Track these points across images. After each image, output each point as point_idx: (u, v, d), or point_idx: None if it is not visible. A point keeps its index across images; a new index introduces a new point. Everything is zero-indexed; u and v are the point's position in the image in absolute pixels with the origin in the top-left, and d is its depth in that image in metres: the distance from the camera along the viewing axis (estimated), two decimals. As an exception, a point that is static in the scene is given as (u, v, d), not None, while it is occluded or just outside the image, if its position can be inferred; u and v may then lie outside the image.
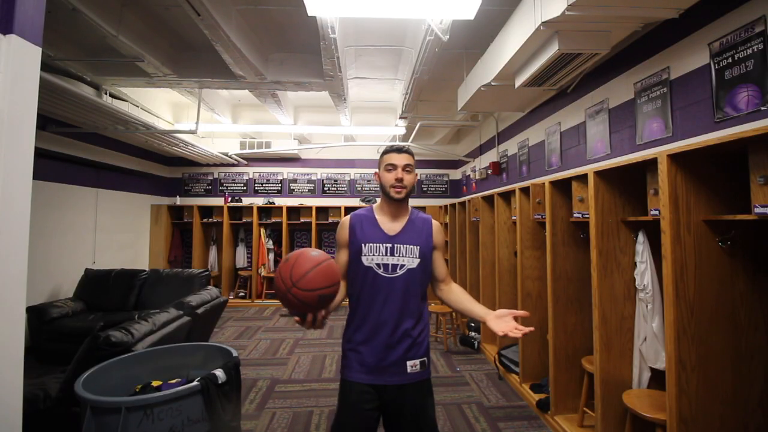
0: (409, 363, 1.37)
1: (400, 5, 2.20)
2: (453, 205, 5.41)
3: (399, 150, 1.41)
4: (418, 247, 1.39)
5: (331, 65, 3.25)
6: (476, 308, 1.40)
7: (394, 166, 1.39)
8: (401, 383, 1.35)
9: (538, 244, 3.01)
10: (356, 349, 1.37)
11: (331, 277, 1.17)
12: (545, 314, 2.66)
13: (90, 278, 4.22)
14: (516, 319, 1.28)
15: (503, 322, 1.26)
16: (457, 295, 1.47)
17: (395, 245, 1.38)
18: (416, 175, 1.44)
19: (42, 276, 3.94)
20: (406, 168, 1.39)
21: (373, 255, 1.37)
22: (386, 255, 1.37)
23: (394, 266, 1.37)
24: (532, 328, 1.19)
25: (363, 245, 1.37)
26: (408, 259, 1.37)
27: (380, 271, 1.36)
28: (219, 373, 1.63)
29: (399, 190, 1.37)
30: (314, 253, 1.20)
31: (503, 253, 3.52)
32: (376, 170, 1.47)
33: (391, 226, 1.42)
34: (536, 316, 2.98)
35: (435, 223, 1.49)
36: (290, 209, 6.35)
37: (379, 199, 1.47)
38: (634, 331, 2.07)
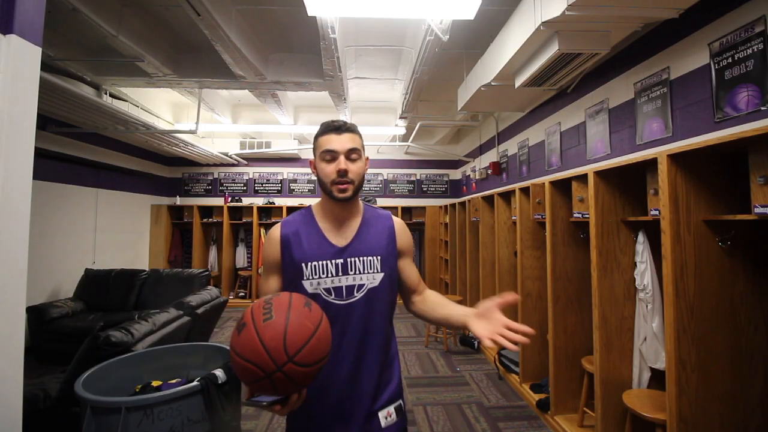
0: (381, 414, 1.01)
1: (400, 5, 2.20)
2: (453, 205, 5.41)
3: (338, 129, 1.00)
4: (380, 258, 1.04)
5: (331, 65, 3.25)
6: (454, 312, 1.01)
7: (333, 154, 0.99)
8: None
9: (538, 244, 3.01)
10: (305, 404, 0.89)
11: (330, 337, 0.85)
12: (545, 314, 2.66)
13: (90, 278, 4.22)
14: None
15: (488, 322, 0.88)
16: (431, 303, 1.10)
17: (348, 260, 1.01)
18: (366, 160, 1.07)
19: (42, 276, 3.94)
20: (351, 155, 1.00)
21: (320, 278, 0.99)
22: (337, 275, 1.00)
23: (350, 288, 1.00)
24: (529, 332, 0.83)
25: (304, 266, 0.99)
26: (367, 275, 1.02)
27: (331, 298, 0.99)
28: (219, 373, 1.63)
29: (344, 187, 0.99)
30: (306, 303, 0.84)
31: (503, 253, 3.52)
32: (311, 159, 1.07)
33: (339, 234, 1.04)
34: (536, 316, 2.98)
35: (397, 221, 1.13)
36: (290, 209, 6.34)
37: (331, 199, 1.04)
38: (634, 331, 2.07)
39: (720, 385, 1.53)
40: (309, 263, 1.00)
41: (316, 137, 1.04)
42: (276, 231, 1.05)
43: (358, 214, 1.08)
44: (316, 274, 0.99)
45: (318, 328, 0.81)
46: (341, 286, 1.00)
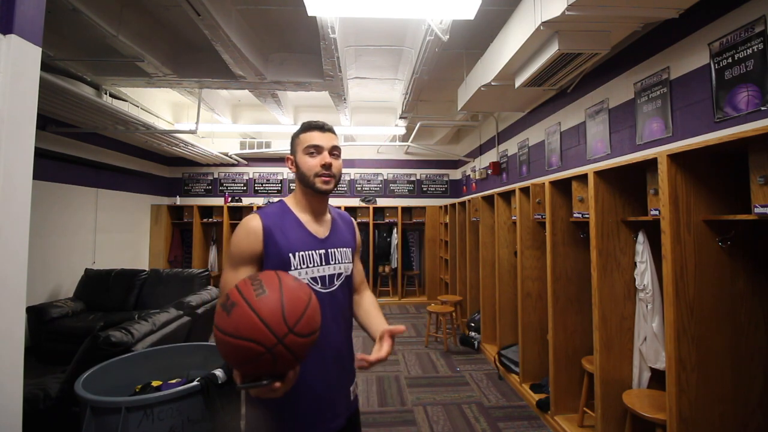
0: (351, 388, 1.13)
1: (400, 5, 2.20)
2: (453, 205, 5.41)
3: (322, 128, 1.08)
4: (350, 250, 1.16)
5: (331, 65, 3.25)
6: (373, 327, 1.12)
7: (318, 149, 1.06)
8: (348, 415, 1.10)
9: (538, 244, 3.01)
10: (290, 402, 0.99)
11: (319, 309, 0.87)
12: (545, 314, 2.66)
13: (90, 278, 4.22)
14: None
15: (379, 346, 0.99)
16: (363, 309, 1.21)
17: (329, 250, 1.09)
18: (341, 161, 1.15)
19: (42, 276, 3.94)
20: (334, 152, 1.08)
21: (307, 267, 1.04)
22: (321, 264, 1.07)
23: (332, 277, 1.08)
24: (399, 331, 1.00)
25: (291, 256, 1.02)
26: (343, 265, 1.11)
27: (318, 287, 1.05)
28: (219, 373, 1.63)
29: (327, 179, 1.06)
30: (295, 278, 0.88)
31: (503, 253, 3.52)
32: (289, 155, 1.13)
33: (318, 227, 1.11)
34: (536, 316, 2.98)
35: (353, 220, 1.29)
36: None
37: (292, 194, 1.15)
38: (634, 331, 2.07)
39: (720, 385, 1.53)
40: (296, 253, 1.03)
41: (297, 135, 1.11)
42: (255, 222, 1.03)
43: (328, 210, 1.18)
44: (303, 264, 1.04)
45: (311, 298, 0.85)
46: (325, 275, 1.08)
